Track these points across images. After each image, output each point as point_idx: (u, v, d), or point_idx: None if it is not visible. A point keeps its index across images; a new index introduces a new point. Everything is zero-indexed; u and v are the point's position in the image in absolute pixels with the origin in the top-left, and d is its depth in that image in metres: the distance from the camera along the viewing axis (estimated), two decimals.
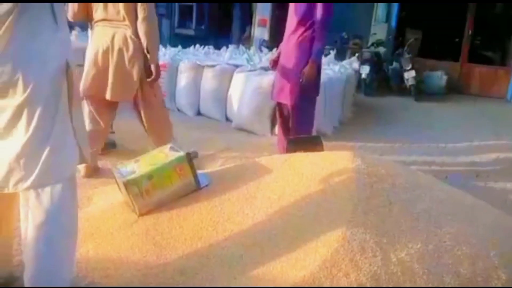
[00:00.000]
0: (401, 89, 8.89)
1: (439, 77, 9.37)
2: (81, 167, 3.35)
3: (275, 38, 11.03)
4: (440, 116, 7.41)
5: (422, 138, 5.56)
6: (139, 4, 3.24)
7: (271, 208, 2.38)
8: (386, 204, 2.28)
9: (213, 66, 5.78)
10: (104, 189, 2.98)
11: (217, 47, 7.81)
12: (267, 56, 7.13)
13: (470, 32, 9.81)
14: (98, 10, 3.33)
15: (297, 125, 3.93)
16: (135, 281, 2.06)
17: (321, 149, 3.38)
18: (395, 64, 9.07)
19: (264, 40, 10.68)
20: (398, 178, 2.51)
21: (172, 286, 2.04)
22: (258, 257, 2.13)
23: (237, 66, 5.86)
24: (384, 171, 2.51)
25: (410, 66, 8.49)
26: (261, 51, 8.34)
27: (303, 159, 2.73)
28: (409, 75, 8.50)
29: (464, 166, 4.66)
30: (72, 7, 3.36)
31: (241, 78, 5.55)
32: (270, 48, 8.61)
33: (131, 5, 3.25)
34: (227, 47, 8.00)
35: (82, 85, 3.35)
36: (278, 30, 11.25)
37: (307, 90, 3.83)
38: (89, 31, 3.62)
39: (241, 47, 8.25)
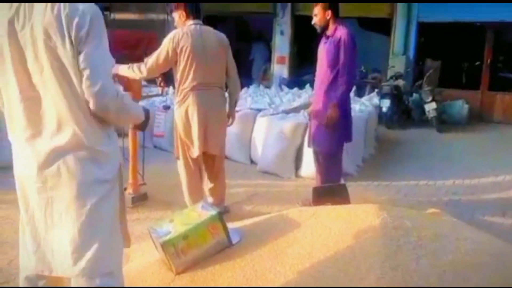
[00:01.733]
0: (423, 121, 8.93)
1: (460, 107, 9.39)
2: None
3: (295, 75, 11.28)
4: (463, 147, 7.41)
5: (446, 174, 5.58)
6: (230, 65, 3.81)
7: (302, 264, 2.47)
8: (413, 258, 2.36)
9: (236, 111, 5.95)
10: (140, 246, 3.12)
11: None
12: (287, 96, 7.33)
13: (489, 60, 9.85)
14: (196, 76, 3.61)
15: (325, 171, 4.07)
16: None
17: (347, 198, 3.48)
18: (415, 95, 9.15)
19: (283, 78, 10.91)
20: (424, 230, 2.59)
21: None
22: None
23: (259, 110, 6.05)
24: (409, 223, 2.60)
25: (430, 98, 8.55)
26: (281, 89, 8.55)
27: (330, 212, 2.83)
28: (430, 107, 8.55)
29: (491, 203, 4.66)
30: (156, 65, 3.64)
31: (264, 122, 5.72)
32: (290, 86, 8.82)
33: (225, 67, 3.77)
34: (248, 87, 8.25)
35: (196, 146, 3.73)
36: (297, 67, 11.53)
37: (336, 136, 3.99)
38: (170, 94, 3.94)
39: (262, 87, 8.48)
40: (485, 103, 9.92)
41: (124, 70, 3.71)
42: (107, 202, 1.86)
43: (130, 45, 9.64)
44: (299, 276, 2.41)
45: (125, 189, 4.29)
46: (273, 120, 5.61)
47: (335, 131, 3.99)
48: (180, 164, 3.87)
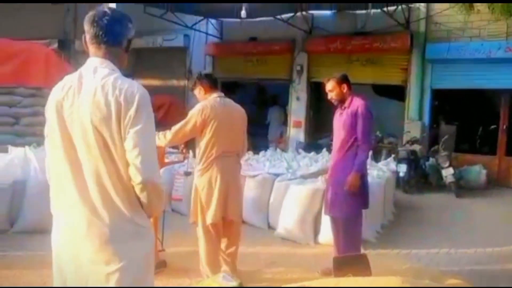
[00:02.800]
0: (441, 186, 8.89)
1: (478, 172, 9.35)
2: None
3: (311, 139, 11.44)
4: (483, 213, 7.31)
5: (467, 242, 5.49)
6: (245, 133, 4.05)
7: None
8: None
9: (254, 176, 6.04)
10: None
11: (255, 148, 8.14)
12: (305, 160, 7.40)
13: (504, 126, 9.90)
14: (220, 146, 3.79)
15: (345, 239, 4.08)
16: None
17: (368, 269, 3.45)
18: (431, 160, 9.17)
19: (300, 142, 11.06)
20: None
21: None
22: None
23: (277, 174, 6.11)
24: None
25: (447, 164, 8.57)
26: (298, 153, 8.66)
27: (352, 284, 2.80)
28: (447, 173, 8.54)
29: None
30: (182, 134, 3.83)
31: (282, 187, 5.77)
32: (307, 150, 8.92)
33: (244, 136, 4.04)
34: (265, 150, 8.38)
35: (217, 212, 3.82)
36: (313, 131, 11.71)
37: (355, 202, 4.04)
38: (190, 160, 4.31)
39: (279, 150, 8.60)
40: (503, 169, 9.86)
41: None
42: (149, 275, 1.93)
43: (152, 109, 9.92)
44: None
45: None
46: (291, 185, 5.66)
47: (353, 198, 4.05)
48: (200, 230, 3.91)
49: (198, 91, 3.98)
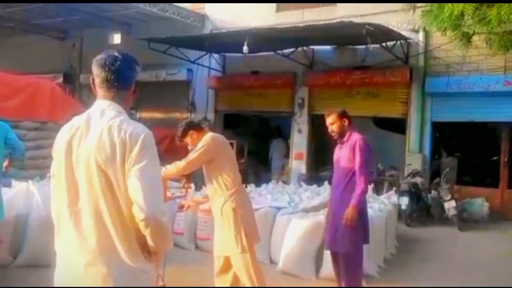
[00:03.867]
0: (443, 218, 8.85)
1: (480, 205, 9.33)
2: None
3: (313, 171, 11.46)
4: (486, 248, 7.26)
5: (471, 278, 5.43)
6: None
7: None
8: None
9: (256, 209, 6.04)
10: None
11: (257, 180, 8.17)
12: (306, 193, 7.41)
13: (505, 159, 9.93)
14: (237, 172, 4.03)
15: (346, 274, 4.07)
16: None
17: None
18: (433, 193, 9.17)
19: (302, 174, 11.08)
20: None
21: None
22: None
23: (279, 208, 6.12)
24: None
25: (449, 197, 8.56)
26: (300, 185, 8.67)
27: None
28: (450, 205, 8.53)
29: None
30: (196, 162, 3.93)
31: (283, 221, 5.77)
32: (308, 182, 8.94)
33: None
34: (267, 183, 8.39)
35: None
36: (315, 163, 11.75)
37: (354, 236, 4.05)
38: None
39: (280, 183, 8.61)
40: (505, 201, 9.84)
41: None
42: None
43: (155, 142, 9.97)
44: None
45: None
46: (292, 219, 5.66)
47: (352, 232, 4.06)
48: (247, 258, 3.84)
49: (191, 136, 4.02)
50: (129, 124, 1.90)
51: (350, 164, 4.13)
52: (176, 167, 3.89)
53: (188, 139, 4.04)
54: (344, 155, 4.20)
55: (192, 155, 3.90)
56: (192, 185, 5.36)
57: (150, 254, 1.94)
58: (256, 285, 3.83)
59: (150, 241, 1.87)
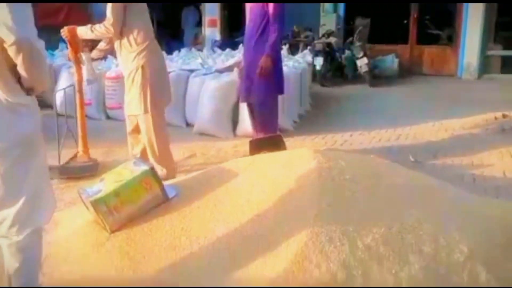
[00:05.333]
0: (356, 77, 9.10)
1: (391, 61, 9.66)
2: None
3: (227, 37, 11.10)
4: (395, 99, 7.64)
5: (380, 124, 5.72)
6: None
7: (241, 211, 2.43)
8: (349, 195, 2.38)
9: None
10: (71, 211, 2.95)
11: (169, 51, 7.78)
12: (221, 57, 7.18)
13: (415, 15, 10.14)
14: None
15: (262, 123, 4.08)
16: None
17: (284, 148, 3.47)
18: (347, 52, 9.27)
19: (216, 41, 10.71)
20: (359, 169, 2.62)
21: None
22: (233, 261, 2.19)
23: (191, 71, 5.88)
24: (344, 163, 2.61)
25: (362, 54, 8.71)
26: (214, 51, 8.37)
27: (266, 160, 2.80)
28: (362, 63, 8.71)
29: (422, 147, 4.85)
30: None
31: (197, 83, 5.59)
32: (222, 48, 8.65)
33: None
34: (179, 51, 8.02)
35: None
36: (229, 29, 11.34)
37: (269, 87, 4.00)
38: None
39: (194, 50, 8.26)
40: (414, 56, 10.26)
41: (87, 32, 3.69)
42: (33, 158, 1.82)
43: (50, 14, 9.06)
44: (238, 223, 2.37)
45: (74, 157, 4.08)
46: (206, 80, 5.48)
47: (267, 82, 4.00)
48: (149, 119, 3.64)
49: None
50: None
51: (262, 14, 3.94)
52: (102, 26, 3.56)
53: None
54: (257, 6, 3.99)
55: (108, 12, 3.53)
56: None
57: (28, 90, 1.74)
58: (155, 149, 3.72)
59: (22, 71, 1.65)
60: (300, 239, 2.12)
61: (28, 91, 1.73)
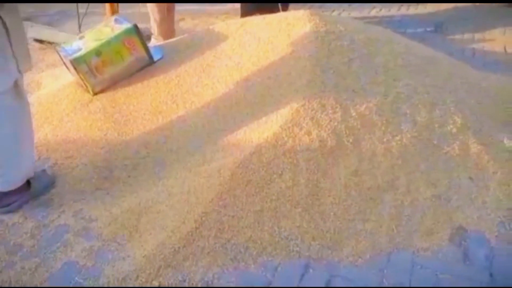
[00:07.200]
0: None
1: None
2: None
3: None
4: None
5: None
6: None
7: (230, 76, 2.31)
8: (345, 61, 2.25)
9: None
10: (53, 72, 2.82)
11: None
12: None
13: None
14: None
15: None
16: (98, 159, 2.05)
17: (277, 10, 3.23)
18: None
19: None
20: (357, 34, 2.45)
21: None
22: (221, 125, 2.13)
23: None
24: (342, 28, 2.43)
25: None
26: None
27: (259, 22, 2.60)
28: None
29: (423, 18, 4.60)
30: None
31: None
32: None
33: None
34: None
35: None
36: None
37: None
38: None
39: None
40: None
41: None
42: None
43: None
44: (227, 87, 2.27)
45: None
46: None
47: None
48: None
49: None
50: None
51: None
52: None
53: None
54: None
55: None
56: None
57: None
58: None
59: None
60: (291, 105, 2.03)
61: None
